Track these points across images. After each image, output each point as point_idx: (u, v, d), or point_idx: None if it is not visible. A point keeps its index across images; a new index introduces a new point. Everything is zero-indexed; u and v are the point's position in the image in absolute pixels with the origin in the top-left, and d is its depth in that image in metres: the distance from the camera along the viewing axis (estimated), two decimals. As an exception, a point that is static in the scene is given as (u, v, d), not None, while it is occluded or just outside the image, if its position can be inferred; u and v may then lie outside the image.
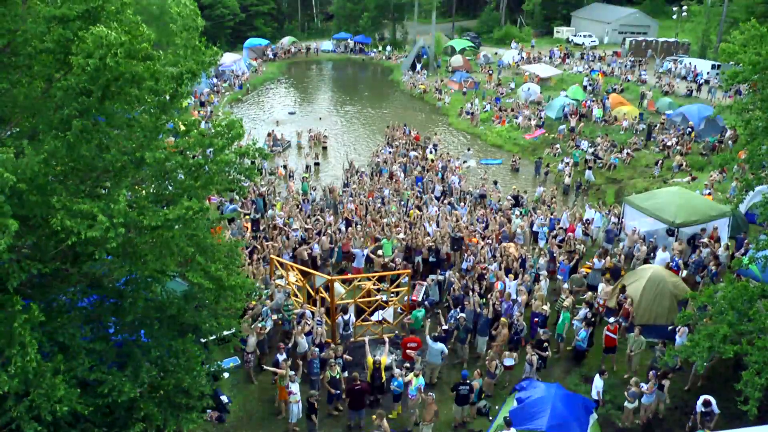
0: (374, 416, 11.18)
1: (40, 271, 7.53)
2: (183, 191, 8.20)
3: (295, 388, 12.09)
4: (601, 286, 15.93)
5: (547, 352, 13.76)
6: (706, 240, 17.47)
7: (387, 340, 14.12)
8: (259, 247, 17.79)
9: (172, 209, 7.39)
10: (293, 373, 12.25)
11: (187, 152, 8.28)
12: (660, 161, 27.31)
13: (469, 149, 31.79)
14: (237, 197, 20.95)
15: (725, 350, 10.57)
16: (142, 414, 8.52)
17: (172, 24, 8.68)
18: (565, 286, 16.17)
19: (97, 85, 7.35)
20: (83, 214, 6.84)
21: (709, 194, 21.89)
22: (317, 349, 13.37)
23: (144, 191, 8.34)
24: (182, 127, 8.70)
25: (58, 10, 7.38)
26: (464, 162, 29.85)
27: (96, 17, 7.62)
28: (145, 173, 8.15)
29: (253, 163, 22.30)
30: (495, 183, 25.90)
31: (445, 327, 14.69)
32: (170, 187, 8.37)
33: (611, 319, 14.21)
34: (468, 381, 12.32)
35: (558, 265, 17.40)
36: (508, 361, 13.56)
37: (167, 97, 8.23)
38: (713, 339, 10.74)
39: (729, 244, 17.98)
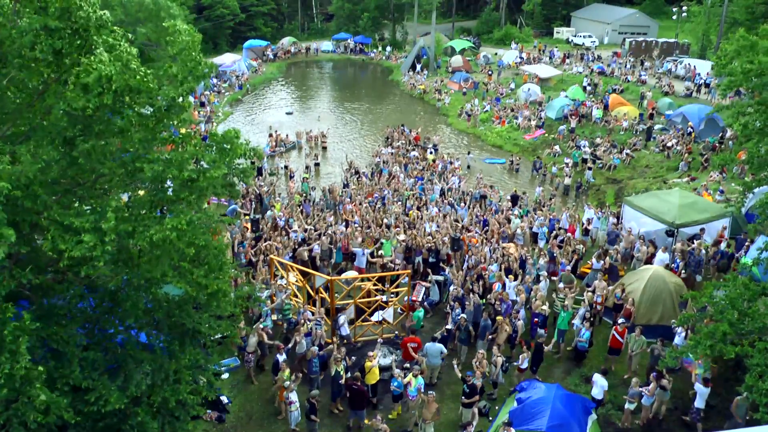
0: (369, 420, 11.19)
1: (31, 282, 7.50)
2: (177, 198, 8.19)
3: (294, 396, 12.11)
4: (596, 283, 15.93)
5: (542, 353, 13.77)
6: (696, 243, 17.40)
7: (380, 341, 14.12)
8: (262, 248, 17.79)
9: (170, 221, 7.38)
10: (291, 382, 12.24)
11: (183, 165, 8.24)
12: (685, 156, 27.20)
13: (469, 153, 31.83)
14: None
15: (727, 350, 10.55)
16: (137, 421, 8.48)
17: (170, 48, 8.62)
18: (560, 285, 16.19)
19: (101, 112, 7.43)
20: (74, 230, 6.84)
21: (708, 194, 21.89)
22: (317, 348, 13.37)
23: (140, 194, 8.30)
24: (183, 130, 8.69)
25: (42, 21, 7.33)
26: (468, 167, 30.07)
27: (84, 32, 7.59)
28: (143, 177, 8.12)
29: (253, 163, 22.23)
30: (491, 187, 25.91)
31: (448, 327, 14.69)
32: (168, 192, 8.34)
33: (620, 320, 14.20)
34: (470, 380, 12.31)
35: (559, 266, 17.40)
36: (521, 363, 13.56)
37: (164, 107, 8.21)
38: (714, 337, 10.73)
39: (729, 242, 17.99)
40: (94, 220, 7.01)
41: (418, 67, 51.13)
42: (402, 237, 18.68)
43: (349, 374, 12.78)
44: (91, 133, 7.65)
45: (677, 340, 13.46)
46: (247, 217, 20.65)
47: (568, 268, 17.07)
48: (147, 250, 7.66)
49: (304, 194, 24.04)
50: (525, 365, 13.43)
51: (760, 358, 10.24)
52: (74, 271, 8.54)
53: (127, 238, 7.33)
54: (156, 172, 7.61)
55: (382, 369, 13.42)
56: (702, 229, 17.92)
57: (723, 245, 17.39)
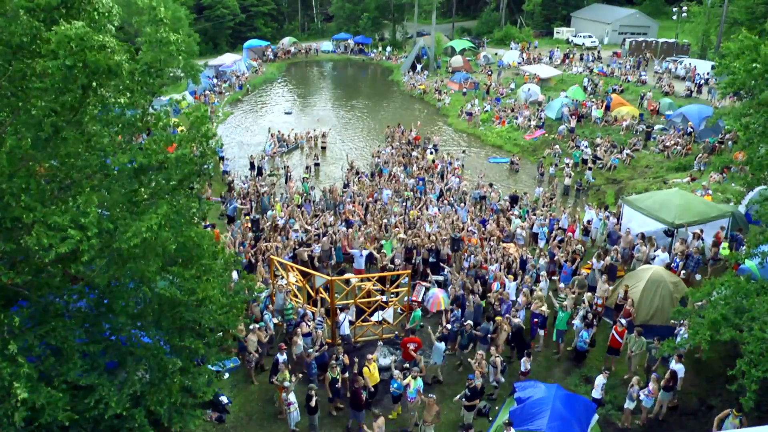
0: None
1: (13, 279, 7.43)
2: (154, 193, 8.12)
3: (292, 397, 12.11)
4: (600, 284, 15.93)
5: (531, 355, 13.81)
6: (693, 245, 17.40)
7: (380, 343, 14.10)
8: (262, 248, 17.78)
9: (143, 223, 7.27)
10: (290, 384, 12.23)
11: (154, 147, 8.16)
12: (699, 155, 27.12)
13: (463, 152, 31.77)
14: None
15: (723, 333, 10.54)
16: (135, 425, 8.44)
17: (137, 18, 8.61)
18: (561, 285, 16.16)
19: (75, 84, 7.26)
20: (57, 227, 6.79)
21: (708, 194, 21.88)
22: (316, 348, 13.36)
23: (116, 194, 8.22)
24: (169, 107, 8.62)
25: (29, 2, 7.26)
26: (462, 166, 29.94)
27: (68, 7, 7.52)
28: (117, 175, 8.05)
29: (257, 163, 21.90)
30: (491, 185, 25.92)
31: (448, 326, 14.69)
32: (147, 189, 8.25)
33: (623, 320, 14.18)
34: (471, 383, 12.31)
35: (561, 267, 17.37)
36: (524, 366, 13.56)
37: (141, 92, 8.16)
38: (714, 326, 10.70)
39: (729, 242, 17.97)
40: (75, 215, 6.96)
41: (419, 67, 51.15)
42: (402, 236, 18.67)
43: (347, 374, 12.78)
44: (66, 115, 7.54)
45: (678, 340, 13.42)
46: (247, 218, 20.66)
47: (584, 273, 17.02)
48: (129, 249, 7.61)
49: (304, 194, 24.05)
50: (528, 368, 13.42)
51: (756, 345, 10.24)
52: (69, 268, 8.52)
53: (108, 236, 7.25)
54: (123, 162, 7.54)
55: (382, 369, 13.41)
56: (701, 230, 17.91)
57: (721, 246, 17.35)
